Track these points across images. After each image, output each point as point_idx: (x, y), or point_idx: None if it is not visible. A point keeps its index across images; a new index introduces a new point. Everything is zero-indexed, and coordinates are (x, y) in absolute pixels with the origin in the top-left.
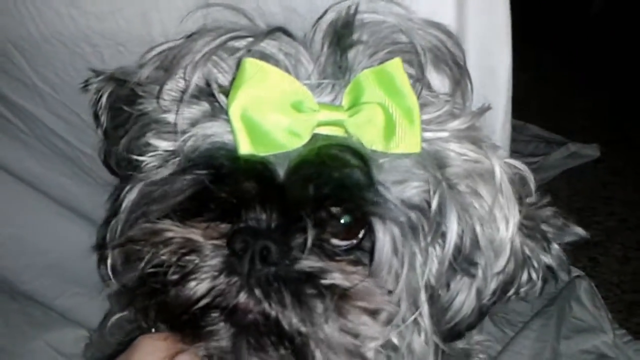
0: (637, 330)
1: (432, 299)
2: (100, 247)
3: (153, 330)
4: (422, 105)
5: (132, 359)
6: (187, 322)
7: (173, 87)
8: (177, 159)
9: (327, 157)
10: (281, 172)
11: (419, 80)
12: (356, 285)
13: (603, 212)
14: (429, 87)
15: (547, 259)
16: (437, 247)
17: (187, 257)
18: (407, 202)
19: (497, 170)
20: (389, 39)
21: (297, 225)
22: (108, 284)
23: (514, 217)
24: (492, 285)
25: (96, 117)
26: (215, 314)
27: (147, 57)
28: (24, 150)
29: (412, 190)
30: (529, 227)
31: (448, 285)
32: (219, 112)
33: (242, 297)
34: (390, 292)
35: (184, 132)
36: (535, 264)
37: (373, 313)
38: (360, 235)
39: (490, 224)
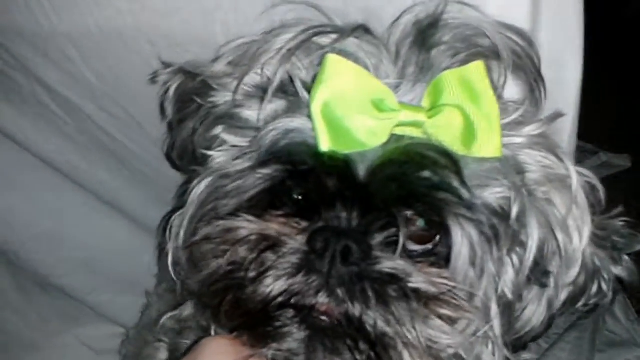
0: None
1: (504, 310)
2: (161, 243)
3: (213, 331)
4: (509, 109)
5: None
6: (260, 321)
7: (249, 81)
8: (252, 154)
9: (416, 156)
10: (362, 170)
11: (500, 86)
12: (442, 292)
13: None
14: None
15: (617, 270)
16: (515, 257)
17: (265, 254)
18: (488, 206)
19: (574, 178)
20: (470, 41)
21: (378, 224)
22: (161, 282)
23: (587, 227)
24: (563, 295)
25: (162, 109)
26: (290, 314)
27: (222, 51)
28: (66, 142)
29: (493, 196)
30: (600, 237)
31: (521, 296)
32: (299, 107)
33: (322, 297)
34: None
35: (263, 127)
36: (606, 275)
37: (453, 321)
38: (437, 239)
39: (564, 233)
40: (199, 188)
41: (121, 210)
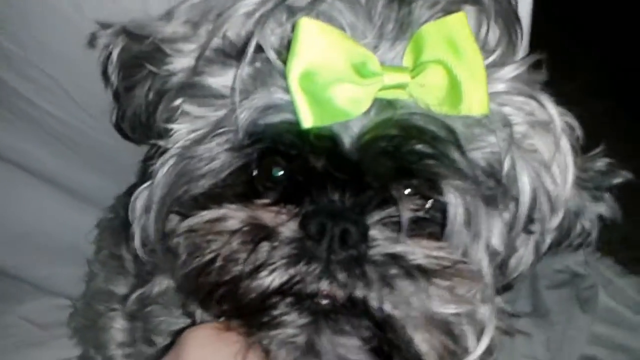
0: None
1: (495, 263)
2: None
3: (199, 316)
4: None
5: (185, 354)
6: (256, 311)
7: (213, 46)
8: (226, 133)
9: (410, 129)
10: (350, 146)
11: (483, 36)
12: (443, 265)
13: None
14: None
15: (600, 209)
16: (505, 212)
17: (260, 246)
18: (478, 167)
19: (557, 123)
20: None
21: (373, 203)
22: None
23: (571, 171)
24: (549, 239)
25: (105, 75)
26: (289, 301)
27: (175, 11)
28: None
29: (482, 155)
30: (582, 178)
31: (514, 248)
32: (272, 78)
33: (323, 284)
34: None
35: (235, 102)
36: (589, 215)
37: (456, 291)
38: (428, 205)
39: (550, 179)
40: (164, 168)
41: (52, 180)
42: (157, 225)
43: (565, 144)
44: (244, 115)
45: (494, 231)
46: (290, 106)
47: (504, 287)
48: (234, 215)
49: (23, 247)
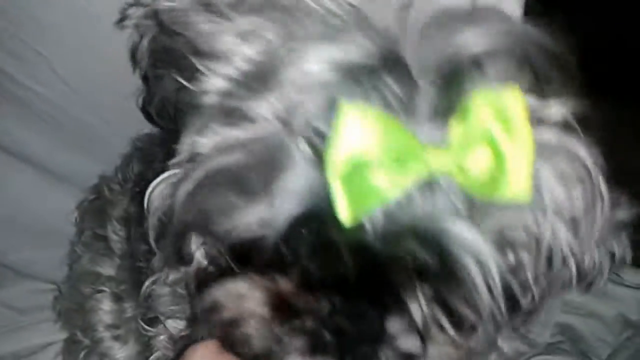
0: None
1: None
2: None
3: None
4: None
5: None
6: None
7: (242, 66)
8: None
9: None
10: (377, 244)
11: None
12: None
13: None
14: None
15: (614, 247)
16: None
17: (278, 329)
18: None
19: (598, 179)
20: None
21: (396, 307)
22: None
23: (599, 225)
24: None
25: (133, 57)
26: None
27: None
28: None
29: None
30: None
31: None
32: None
33: None
34: None
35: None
36: (603, 254)
37: None
38: None
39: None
40: (187, 183)
41: (34, 161)
42: (175, 244)
43: (599, 202)
44: (281, 206)
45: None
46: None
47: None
48: (258, 295)
49: (4, 230)
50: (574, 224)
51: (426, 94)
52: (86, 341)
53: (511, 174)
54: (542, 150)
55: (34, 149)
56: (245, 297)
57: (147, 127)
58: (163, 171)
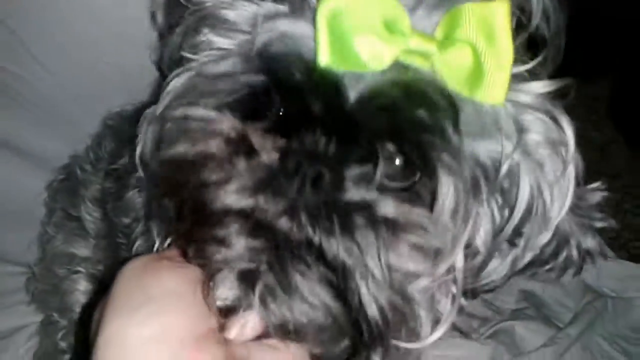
0: None
1: (470, 261)
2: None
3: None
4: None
5: (114, 286)
6: (210, 226)
7: None
8: (239, 55)
9: (413, 92)
10: (353, 95)
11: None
12: (411, 219)
13: None
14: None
15: (588, 243)
16: (497, 213)
17: (237, 158)
18: (476, 158)
19: (571, 146)
20: None
21: (356, 155)
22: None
23: (570, 196)
24: (529, 257)
25: (153, 17)
26: (244, 226)
27: None
28: None
29: (485, 148)
30: (578, 207)
31: (492, 253)
32: (302, 10)
33: (284, 221)
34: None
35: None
36: (576, 244)
37: (424, 251)
38: (416, 177)
39: (548, 198)
40: (177, 81)
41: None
42: (160, 123)
43: (571, 170)
44: (260, 37)
45: (480, 231)
46: (311, 41)
47: (471, 293)
48: (226, 122)
49: None
50: (548, 183)
51: None
52: (63, 322)
53: (488, 77)
54: (534, 100)
55: (6, 128)
56: (214, 121)
57: (117, 106)
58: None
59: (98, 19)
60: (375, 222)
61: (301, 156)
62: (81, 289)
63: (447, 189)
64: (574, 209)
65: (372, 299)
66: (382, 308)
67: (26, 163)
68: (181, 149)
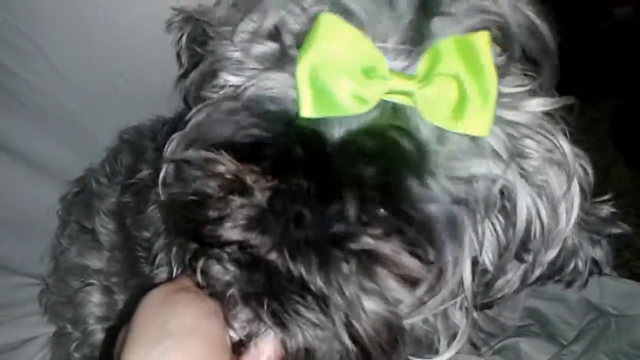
0: None
1: (480, 279)
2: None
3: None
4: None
5: (135, 314)
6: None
7: (246, 28)
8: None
9: (381, 138)
10: (333, 139)
11: (509, 60)
12: (386, 250)
13: None
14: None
15: (595, 254)
16: (500, 231)
17: (232, 196)
18: (468, 182)
19: (571, 164)
20: (478, 8)
21: (338, 198)
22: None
23: (576, 211)
24: (538, 271)
25: (178, 57)
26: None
27: None
28: None
29: (476, 172)
30: (585, 221)
31: (503, 269)
32: (287, 62)
33: (271, 255)
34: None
35: (251, 73)
36: (583, 256)
37: (406, 280)
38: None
39: (553, 215)
40: (199, 114)
41: (15, 151)
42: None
43: (575, 187)
44: (248, 90)
45: (487, 249)
46: (293, 92)
47: (484, 305)
48: (225, 163)
49: None
50: (551, 203)
51: (398, 23)
52: (76, 334)
53: (471, 108)
54: (533, 121)
55: (16, 138)
56: (214, 162)
57: (134, 120)
58: (156, 161)
59: (119, 36)
60: (352, 253)
61: (287, 196)
62: (94, 300)
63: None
64: (582, 223)
65: (344, 327)
66: (362, 336)
67: (40, 174)
68: (187, 188)
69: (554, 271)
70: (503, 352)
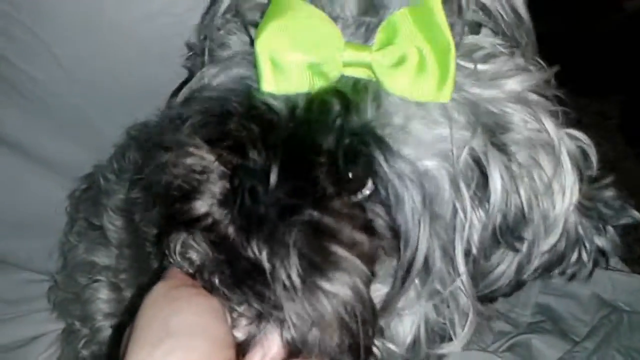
0: None
1: (473, 264)
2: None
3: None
4: (490, 56)
5: (139, 314)
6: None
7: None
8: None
9: (319, 105)
10: (285, 116)
11: (461, 20)
12: (332, 222)
13: None
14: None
15: (600, 242)
16: (481, 212)
17: (196, 176)
18: (422, 169)
19: (556, 142)
20: None
21: (293, 169)
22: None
23: (573, 195)
24: (536, 262)
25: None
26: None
27: None
28: None
29: (437, 144)
30: (587, 207)
31: (488, 256)
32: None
33: (231, 230)
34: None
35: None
36: (588, 246)
37: (360, 255)
38: (368, 191)
39: (547, 198)
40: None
41: (22, 147)
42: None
43: (569, 166)
44: (216, 80)
45: (467, 228)
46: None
47: (485, 298)
48: (193, 144)
49: None
50: (542, 184)
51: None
52: (85, 330)
53: (432, 76)
54: (516, 96)
55: (23, 135)
56: (184, 145)
57: (141, 116)
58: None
59: (126, 32)
60: (298, 225)
61: (242, 172)
62: (102, 297)
63: (397, 197)
64: (582, 208)
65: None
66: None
67: (49, 172)
68: (163, 173)
69: (554, 262)
70: (515, 348)
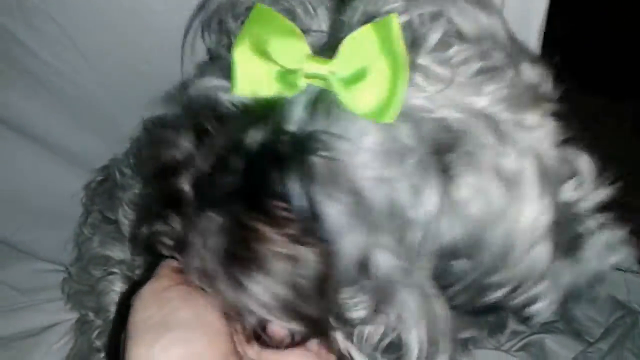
0: None
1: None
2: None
3: None
4: (464, 61)
5: (131, 316)
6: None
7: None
8: None
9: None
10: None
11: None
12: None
13: None
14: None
15: (570, 276)
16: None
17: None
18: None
19: (518, 167)
20: None
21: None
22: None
23: (536, 208)
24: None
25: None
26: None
27: None
28: None
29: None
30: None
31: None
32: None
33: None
34: None
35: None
36: (552, 281)
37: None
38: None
39: (502, 224)
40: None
41: (39, 138)
42: None
43: (531, 192)
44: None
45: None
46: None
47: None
48: (182, 136)
49: (7, 209)
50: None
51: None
52: (98, 321)
53: (383, 92)
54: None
55: (42, 125)
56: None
57: (159, 110)
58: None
59: (147, 24)
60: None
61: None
62: (117, 289)
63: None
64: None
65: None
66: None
67: (63, 161)
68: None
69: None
70: (528, 348)
